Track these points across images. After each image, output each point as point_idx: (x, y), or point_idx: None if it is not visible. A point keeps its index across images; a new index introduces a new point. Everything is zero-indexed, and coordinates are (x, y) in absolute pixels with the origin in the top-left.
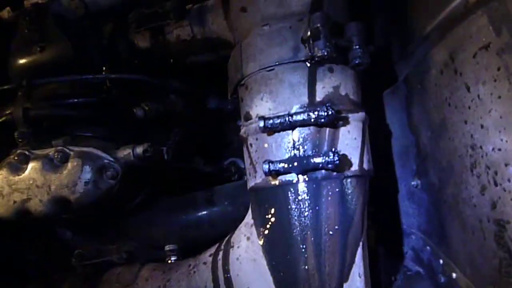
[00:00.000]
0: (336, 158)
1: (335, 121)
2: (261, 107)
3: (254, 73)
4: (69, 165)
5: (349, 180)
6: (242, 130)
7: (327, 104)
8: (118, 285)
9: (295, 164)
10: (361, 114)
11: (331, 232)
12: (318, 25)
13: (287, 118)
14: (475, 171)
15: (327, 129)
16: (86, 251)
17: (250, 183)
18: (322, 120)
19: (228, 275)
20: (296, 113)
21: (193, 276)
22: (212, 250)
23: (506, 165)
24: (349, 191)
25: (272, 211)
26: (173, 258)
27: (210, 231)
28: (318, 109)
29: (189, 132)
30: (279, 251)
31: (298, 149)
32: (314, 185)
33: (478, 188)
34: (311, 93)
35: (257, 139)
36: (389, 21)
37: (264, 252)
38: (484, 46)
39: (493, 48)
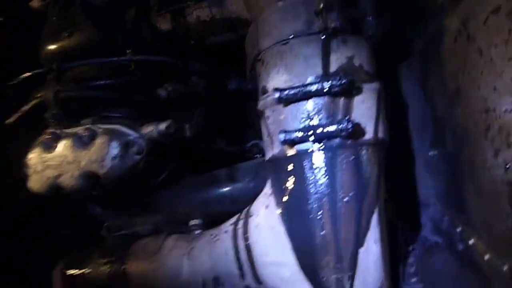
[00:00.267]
0: (350, 125)
1: (349, 91)
2: (277, 80)
3: (270, 48)
4: (97, 141)
5: (364, 148)
6: (260, 104)
7: (341, 74)
8: (144, 254)
9: (310, 133)
10: (375, 84)
11: (346, 199)
12: None
13: (301, 89)
14: (489, 134)
15: (341, 98)
16: (114, 223)
17: (268, 155)
18: (336, 89)
19: (248, 242)
20: (311, 84)
21: (215, 244)
22: (233, 220)
23: None
24: (364, 159)
25: (289, 180)
26: (197, 232)
27: (232, 206)
28: (332, 78)
29: (211, 113)
30: (296, 218)
31: (313, 119)
32: (329, 154)
33: (492, 151)
34: (325, 64)
35: (273, 111)
36: None
37: (282, 220)
38: (494, 10)
39: (504, 11)
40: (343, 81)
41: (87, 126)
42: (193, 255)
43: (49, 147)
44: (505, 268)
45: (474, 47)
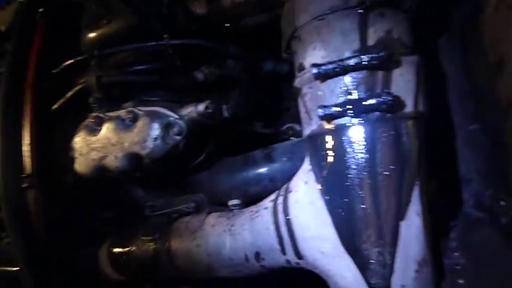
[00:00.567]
0: (390, 98)
1: (388, 64)
2: (314, 56)
3: (306, 24)
4: (139, 123)
5: (403, 121)
6: (297, 81)
7: (379, 47)
8: (187, 232)
9: (349, 107)
10: (414, 57)
11: (386, 172)
12: None
13: (340, 64)
14: None
15: (380, 72)
16: (157, 203)
17: (306, 131)
18: (375, 62)
19: (288, 217)
20: (349, 58)
21: (255, 220)
22: (272, 196)
23: None
24: (404, 133)
25: (328, 155)
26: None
27: (270, 186)
28: (370, 52)
29: (246, 95)
30: (336, 193)
31: (351, 93)
32: (368, 127)
33: None
34: (363, 38)
35: (311, 87)
36: None
37: (321, 195)
38: None
39: None
40: (382, 54)
41: (129, 109)
42: (234, 231)
43: (93, 130)
44: None
45: None
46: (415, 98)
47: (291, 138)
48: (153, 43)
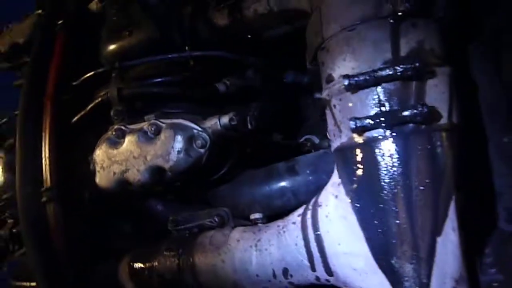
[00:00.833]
0: (426, 109)
1: (422, 75)
2: (344, 67)
3: (335, 35)
4: (162, 136)
5: (438, 134)
6: (325, 93)
7: (412, 58)
8: (211, 247)
9: (382, 119)
10: (447, 68)
11: (422, 187)
12: None
13: (372, 74)
14: None
15: (413, 83)
16: (180, 217)
17: (335, 144)
18: (409, 73)
19: (318, 233)
20: (381, 69)
21: (283, 235)
22: (300, 211)
23: None
24: (439, 145)
25: (360, 168)
26: (261, 225)
27: (293, 200)
28: (404, 62)
29: (267, 107)
30: (369, 207)
31: (383, 105)
32: (402, 140)
33: None
34: (395, 49)
35: (340, 99)
36: None
37: (353, 209)
38: None
39: None
40: (416, 65)
41: (152, 121)
42: (261, 246)
43: (115, 143)
44: None
45: None
46: (449, 110)
47: (309, 150)
48: (175, 55)
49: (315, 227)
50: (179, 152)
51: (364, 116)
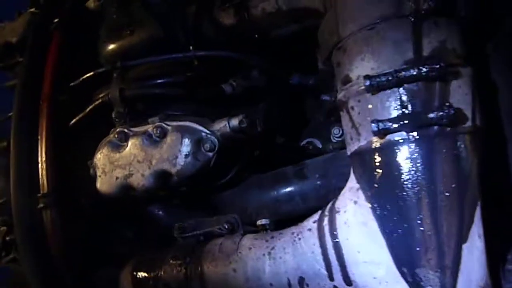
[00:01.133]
0: (452, 111)
1: (446, 76)
2: (363, 67)
3: (353, 34)
4: (168, 139)
5: (463, 136)
6: (341, 95)
7: (434, 58)
8: (220, 255)
9: (406, 121)
10: (470, 69)
11: (447, 192)
12: None
13: (394, 75)
14: None
15: (437, 84)
16: (187, 224)
17: (353, 147)
18: (433, 73)
19: (337, 240)
20: (404, 69)
21: (298, 243)
22: (315, 217)
23: None
24: (464, 149)
25: (381, 172)
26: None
27: (302, 204)
28: (428, 62)
29: (272, 109)
30: (391, 213)
31: (406, 106)
32: (426, 143)
33: None
34: (417, 48)
35: (359, 100)
36: None
37: (374, 216)
38: None
39: None
40: (440, 65)
41: (157, 123)
42: (275, 254)
43: (117, 146)
44: None
45: None
46: (472, 112)
47: (312, 153)
48: (179, 55)
49: (333, 234)
50: (186, 156)
51: (385, 118)
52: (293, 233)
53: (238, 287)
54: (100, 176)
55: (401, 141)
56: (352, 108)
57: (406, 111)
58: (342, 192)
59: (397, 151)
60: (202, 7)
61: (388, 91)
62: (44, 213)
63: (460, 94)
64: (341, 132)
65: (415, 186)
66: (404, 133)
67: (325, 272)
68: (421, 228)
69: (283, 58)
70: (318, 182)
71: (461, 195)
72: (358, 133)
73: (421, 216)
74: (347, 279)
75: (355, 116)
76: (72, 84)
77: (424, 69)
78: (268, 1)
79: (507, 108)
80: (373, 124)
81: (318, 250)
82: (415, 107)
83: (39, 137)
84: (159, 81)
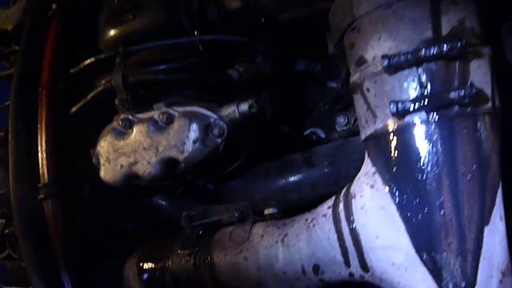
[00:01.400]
0: (474, 90)
1: (466, 55)
2: (379, 48)
3: (368, 13)
4: (176, 125)
5: (483, 117)
6: (355, 76)
7: (453, 37)
8: (231, 243)
9: (426, 101)
10: (488, 49)
11: (468, 173)
12: None
13: (414, 54)
14: None
15: (457, 63)
16: (195, 212)
17: (368, 131)
18: (454, 51)
19: (354, 226)
20: (425, 47)
21: (312, 229)
22: (330, 203)
23: None
24: (485, 130)
25: (399, 155)
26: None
27: (312, 192)
28: (448, 41)
29: (278, 96)
30: (410, 197)
31: (425, 86)
32: (446, 124)
33: None
34: (436, 27)
35: (375, 82)
36: None
37: (392, 200)
38: None
39: None
40: (463, 43)
41: (164, 109)
42: (288, 242)
43: (122, 133)
44: None
45: None
46: (492, 92)
47: (316, 143)
48: (184, 39)
49: (350, 220)
50: (194, 142)
51: (404, 99)
52: (306, 220)
53: (250, 276)
54: (103, 164)
55: (420, 122)
56: (368, 90)
57: (426, 91)
58: (357, 177)
59: (416, 132)
60: None
61: (406, 71)
62: (45, 204)
63: (480, 74)
64: (346, 120)
65: (435, 168)
66: (423, 114)
67: (341, 259)
68: (442, 212)
69: (290, 44)
70: (327, 170)
71: (482, 177)
72: (374, 115)
73: (441, 199)
74: (364, 266)
75: (371, 98)
76: (72, 71)
77: (445, 47)
78: None
79: None
80: (391, 105)
81: (333, 236)
82: (434, 87)
83: (38, 126)
84: (164, 66)
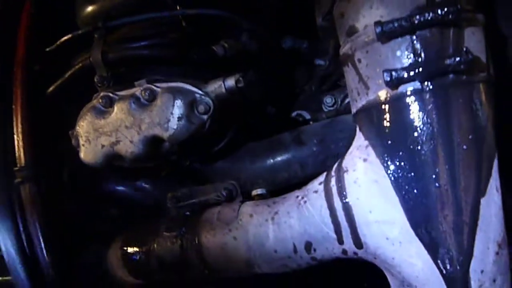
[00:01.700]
0: (470, 56)
1: (460, 21)
2: (371, 16)
3: None
4: (159, 101)
5: (478, 85)
6: (346, 47)
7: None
8: (220, 223)
9: (420, 69)
10: (481, 16)
11: (464, 143)
12: None
13: (408, 20)
14: None
15: (451, 30)
16: (180, 192)
17: (360, 103)
18: (449, 16)
19: (346, 200)
20: (419, 13)
21: (304, 206)
22: (321, 178)
23: None
24: (480, 99)
25: (393, 126)
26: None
27: (300, 172)
28: (442, 6)
29: (264, 75)
30: (404, 169)
31: (419, 54)
32: (442, 92)
33: None
34: None
35: (367, 51)
36: None
37: (386, 172)
38: None
39: None
40: (456, 8)
41: (146, 86)
42: (279, 220)
43: (102, 112)
44: None
45: None
46: (486, 60)
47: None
48: (167, 13)
49: (342, 195)
50: (179, 118)
51: (400, 67)
52: (297, 197)
53: (240, 256)
54: (83, 145)
55: (414, 91)
56: (359, 60)
57: (420, 59)
58: (349, 151)
59: (410, 102)
60: None
61: (399, 39)
62: (22, 188)
63: (474, 41)
64: (333, 100)
65: (430, 139)
66: (417, 83)
67: (334, 235)
68: (437, 183)
69: (275, 21)
70: (316, 148)
71: (478, 147)
72: (366, 86)
73: (437, 170)
74: (358, 242)
75: (363, 69)
76: (48, 49)
77: (440, 13)
78: None
79: None
80: (385, 74)
81: (326, 213)
82: (429, 55)
83: (13, 106)
84: (145, 42)
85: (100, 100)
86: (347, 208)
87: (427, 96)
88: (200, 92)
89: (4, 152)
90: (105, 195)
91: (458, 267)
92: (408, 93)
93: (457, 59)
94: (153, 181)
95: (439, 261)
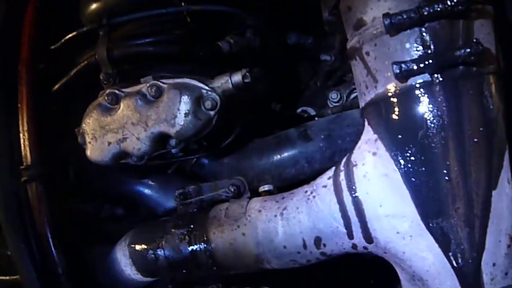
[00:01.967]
0: (480, 47)
1: (470, 13)
2: (379, 8)
3: None
4: (165, 97)
5: (488, 77)
6: (354, 41)
7: None
8: (228, 220)
9: (430, 61)
10: (490, 7)
11: (475, 135)
12: None
13: (417, 11)
14: None
15: (461, 21)
16: (187, 189)
17: (368, 97)
18: (459, 8)
19: (356, 195)
20: (429, 4)
21: (313, 201)
22: (330, 173)
23: None
24: (490, 91)
25: (403, 120)
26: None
27: (307, 168)
28: None
29: (269, 71)
30: (415, 162)
31: (429, 46)
32: (452, 84)
33: None
34: None
35: (375, 44)
36: None
37: (397, 166)
38: None
39: None
40: (464, 0)
41: (152, 82)
42: (288, 215)
43: (108, 109)
44: None
45: None
46: (496, 52)
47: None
48: (172, 9)
49: (352, 189)
50: (186, 114)
51: (409, 59)
52: (306, 192)
53: (248, 252)
54: (90, 142)
55: (423, 84)
56: (367, 53)
57: (429, 51)
58: (357, 145)
59: (419, 95)
60: None
61: (408, 31)
62: (29, 186)
63: (483, 33)
64: (339, 96)
65: (441, 131)
66: (427, 75)
67: (344, 230)
68: (448, 176)
69: (280, 17)
70: (323, 144)
71: (489, 139)
72: (375, 80)
73: (448, 163)
74: (368, 236)
75: (371, 62)
76: (53, 47)
77: (449, 4)
78: None
79: None
80: (394, 66)
81: (335, 207)
82: (439, 47)
83: (19, 105)
84: (150, 39)
85: (106, 97)
86: (356, 203)
87: (437, 88)
88: (206, 87)
89: (11, 151)
90: (112, 193)
91: (469, 261)
92: (418, 85)
93: (467, 50)
94: (160, 180)
95: (450, 255)
